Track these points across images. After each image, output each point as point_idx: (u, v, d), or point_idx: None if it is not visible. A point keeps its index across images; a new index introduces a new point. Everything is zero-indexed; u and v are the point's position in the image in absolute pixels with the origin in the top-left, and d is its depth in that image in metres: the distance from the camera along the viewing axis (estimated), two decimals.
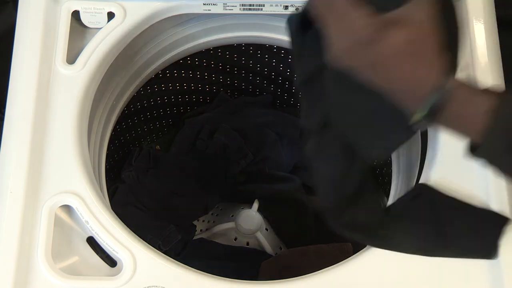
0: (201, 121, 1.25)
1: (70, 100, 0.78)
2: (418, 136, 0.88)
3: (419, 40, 0.50)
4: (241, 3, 0.87)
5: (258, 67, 1.19)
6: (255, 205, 1.22)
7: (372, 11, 0.50)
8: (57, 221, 0.73)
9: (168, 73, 1.12)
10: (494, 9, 0.84)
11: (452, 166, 0.77)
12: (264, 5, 0.87)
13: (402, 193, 0.90)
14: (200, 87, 1.23)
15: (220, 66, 1.17)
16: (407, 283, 0.71)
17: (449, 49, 0.52)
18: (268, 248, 1.17)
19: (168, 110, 1.25)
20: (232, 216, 1.22)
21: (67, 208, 0.74)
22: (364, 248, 0.75)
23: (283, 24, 1.01)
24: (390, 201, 0.92)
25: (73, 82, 0.79)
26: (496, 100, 0.48)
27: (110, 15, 0.83)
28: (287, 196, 1.22)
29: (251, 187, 1.24)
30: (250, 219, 1.19)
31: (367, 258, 0.72)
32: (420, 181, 0.78)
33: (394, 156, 0.99)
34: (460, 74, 0.55)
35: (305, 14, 0.57)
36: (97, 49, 0.82)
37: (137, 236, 0.73)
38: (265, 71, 1.20)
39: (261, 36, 1.04)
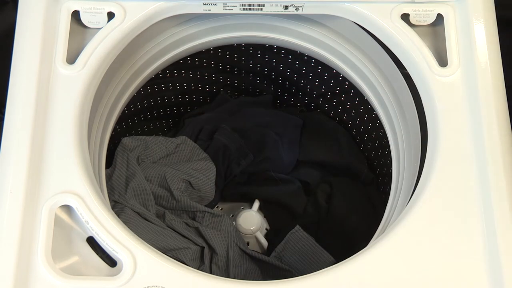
0: (201, 121, 1.25)
1: (70, 100, 0.78)
2: (418, 136, 0.88)
3: None
4: (241, 3, 0.87)
5: (258, 67, 1.19)
6: (256, 205, 1.23)
7: None
8: (57, 221, 0.73)
9: (168, 73, 1.12)
10: (494, 9, 0.84)
11: (452, 166, 0.77)
12: (264, 5, 0.87)
13: (402, 194, 0.90)
14: (200, 87, 1.23)
15: (220, 66, 1.17)
16: (407, 283, 0.72)
17: None
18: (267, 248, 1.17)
19: (168, 110, 1.25)
20: (232, 216, 1.22)
21: (67, 208, 0.74)
22: (364, 248, 0.75)
23: (283, 24, 1.02)
24: (390, 201, 0.92)
25: (73, 82, 0.79)
26: None
27: (110, 15, 0.83)
28: (287, 198, 1.22)
29: (251, 188, 1.24)
30: (250, 219, 1.19)
31: (367, 258, 0.73)
32: (420, 181, 0.78)
33: (394, 156, 0.99)
34: None
35: None
36: (97, 49, 0.82)
37: (137, 236, 0.73)
38: (265, 71, 1.20)
39: (261, 36, 1.04)
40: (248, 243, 1.18)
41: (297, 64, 1.14)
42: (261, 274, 1.09)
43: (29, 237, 0.71)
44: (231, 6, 0.87)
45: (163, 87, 1.16)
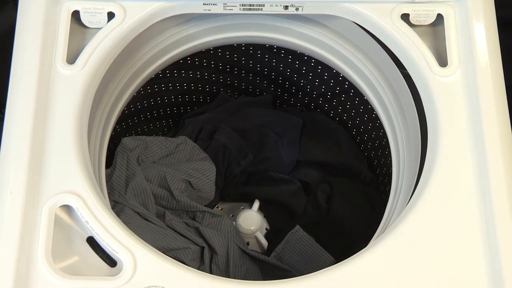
0: (201, 121, 1.25)
1: (70, 100, 0.78)
2: (418, 136, 0.88)
3: None
4: (241, 3, 0.87)
5: (258, 67, 1.19)
6: (256, 205, 1.23)
7: None
8: (57, 221, 0.73)
9: (168, 73, 1.12)
10: (494, 9, 0.84)
11: (452, 166, 0.77)
12: (264, 5, 0.87)
13: (402, 194, 0.90)
14: (200, 87, 1.23)
15: (220, 66, 1.17)
16: (407, 283, 0.72)
17: None
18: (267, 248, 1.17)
19: (168, 110, 1.25)
20: (232, 216, 1.22)
21: (67, 208, 0.74)
22: (364, 248, 0.75)
23: (283, 24, 1.02)
24: (390, 201, 0.92)
25: (73, 82, 0.79)
26: None
27: (110, 15, 0.83)
28: (287, 198, 1.22)
29: (251, 188, 1.24)
30: (250, 219, 1.20)
31: (367, 258, 0.73)
32: (420, 181, 0.78)
33: (394, 156, 0.99)
34: None
35: None
36: (97, 49, 0.82)
37: (137, 236, 0.73)
38: (265, 71, 1.20)
39: (261, 36, 1.04)
40: (248, 243, 1.18)
41: (297, 64, 1.14)
42: (261, 274, 1.09)
43: (29, 237, 0.71)
44: (231, 6, 0.87)
45: (163, 87, 1.16)
